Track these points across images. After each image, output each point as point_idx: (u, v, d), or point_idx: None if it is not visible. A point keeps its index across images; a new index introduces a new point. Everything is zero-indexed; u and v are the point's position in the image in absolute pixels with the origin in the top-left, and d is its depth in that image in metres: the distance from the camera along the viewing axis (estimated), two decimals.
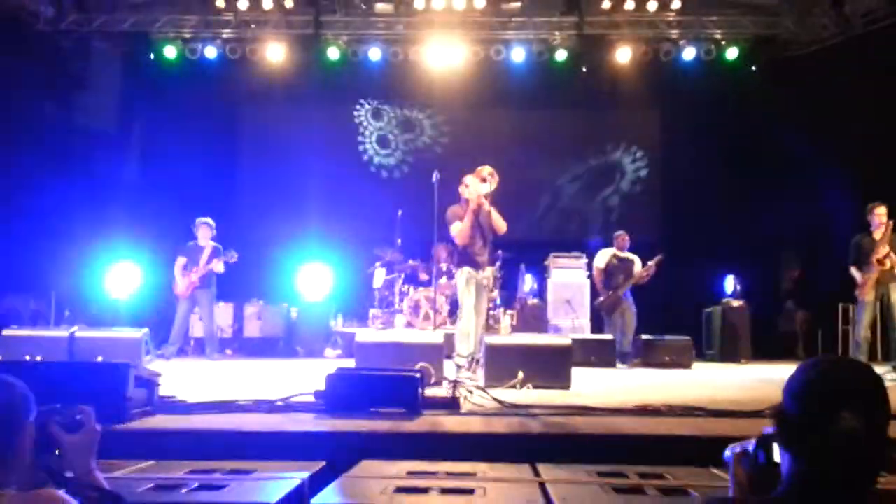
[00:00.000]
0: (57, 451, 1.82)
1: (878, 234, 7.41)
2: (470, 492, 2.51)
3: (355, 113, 12.65)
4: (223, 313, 10.23)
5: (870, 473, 1.48)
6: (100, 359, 5.28)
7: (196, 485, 2.50)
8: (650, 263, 9.07)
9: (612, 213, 12.38)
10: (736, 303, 10.12)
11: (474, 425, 3.82)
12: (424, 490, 2.50)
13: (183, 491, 2.43)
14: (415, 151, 12.59)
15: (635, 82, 11.28)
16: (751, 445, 1.69)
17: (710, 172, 11.13)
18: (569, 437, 3.59)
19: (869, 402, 1.46)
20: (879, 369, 7.52)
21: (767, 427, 1.64)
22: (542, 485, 2.64)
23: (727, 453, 1.78)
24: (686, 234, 11.09)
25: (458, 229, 6.37)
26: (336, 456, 3.04)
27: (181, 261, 8.79)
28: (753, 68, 11.20)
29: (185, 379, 5.72)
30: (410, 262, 9.99)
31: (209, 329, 9.01)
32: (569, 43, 11.09)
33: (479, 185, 6.31)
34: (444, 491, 2.50)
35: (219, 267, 8.78)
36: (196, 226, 8.96)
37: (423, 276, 9.78)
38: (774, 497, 1.53)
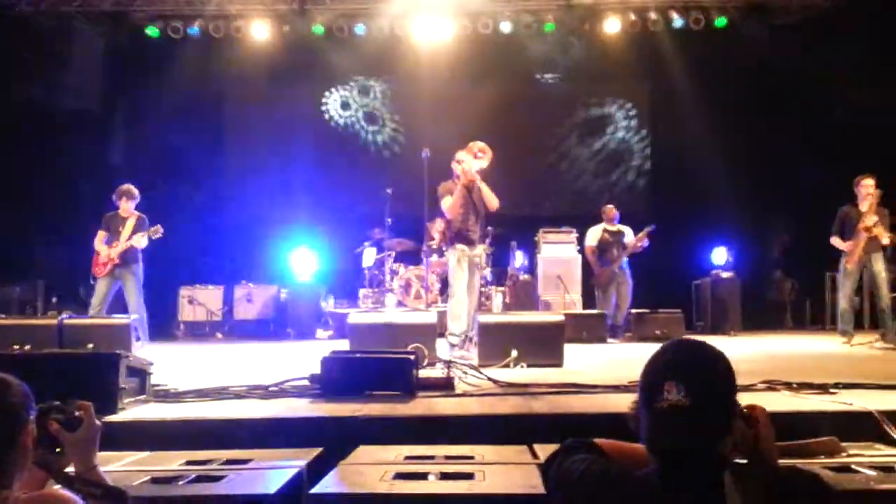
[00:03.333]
0: (58, 450, 1.79)
1: (864, 207, 7.43)
2: (470, 476, 2.49)
3: (343, 90, 12.51)
4: (213, 296, 10.17)
5: (703, 442, 1.52)
6: (90, 346, 5.24)
7: (193, 476, 2.47)
8: (640, 234, 9.07)
9: (603, 187, 12.35)
10: (725, 274, 10.16)
11: (470, 407, 3.81)
12: (423, 476, 2.49)
13: (180, 483, 2.41)
14: (404, 128, 12.47)
15: (625, 53, 11.18)
16: None
17: (700, 143, 11.10)
18: (564, 416, 3.59)
19: (695, 377, 1.55)
20: (866, 338, 7.62)
21: None
22: (540, 466, 2.63)
23: None
24: (677, 205, 11.09)
25: (449, 204, 6.33)
26: (332, 441, 3.03)
27: (102, 235, 7.57)
28: (742, 37, 11.10)
29: (174, 366, 5.67)
30: (400, 240, 9.93)
31: (139, 314, 7.30)
32: (557, 14, 10.96)
33: (471, 161, 6.26)
34: (444, 476, 2.48)
35: (141, 242, 7.47)
36: (117, 194, 7.69)
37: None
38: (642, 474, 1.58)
